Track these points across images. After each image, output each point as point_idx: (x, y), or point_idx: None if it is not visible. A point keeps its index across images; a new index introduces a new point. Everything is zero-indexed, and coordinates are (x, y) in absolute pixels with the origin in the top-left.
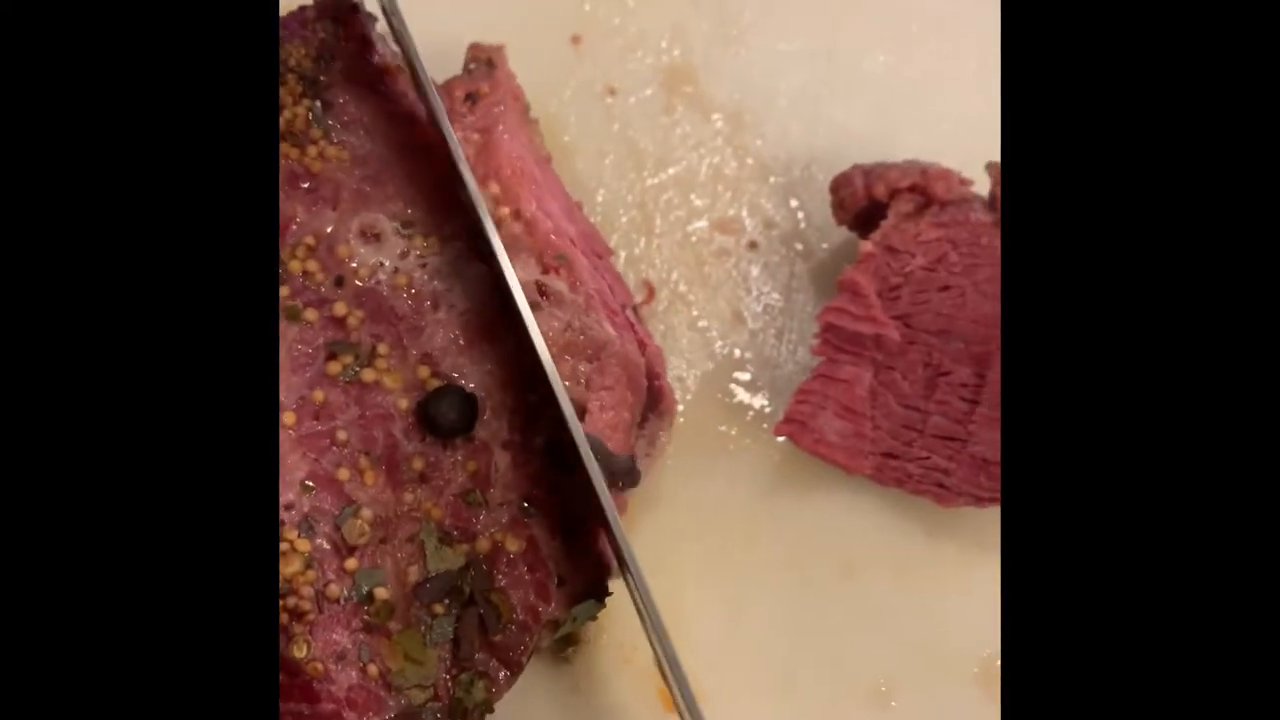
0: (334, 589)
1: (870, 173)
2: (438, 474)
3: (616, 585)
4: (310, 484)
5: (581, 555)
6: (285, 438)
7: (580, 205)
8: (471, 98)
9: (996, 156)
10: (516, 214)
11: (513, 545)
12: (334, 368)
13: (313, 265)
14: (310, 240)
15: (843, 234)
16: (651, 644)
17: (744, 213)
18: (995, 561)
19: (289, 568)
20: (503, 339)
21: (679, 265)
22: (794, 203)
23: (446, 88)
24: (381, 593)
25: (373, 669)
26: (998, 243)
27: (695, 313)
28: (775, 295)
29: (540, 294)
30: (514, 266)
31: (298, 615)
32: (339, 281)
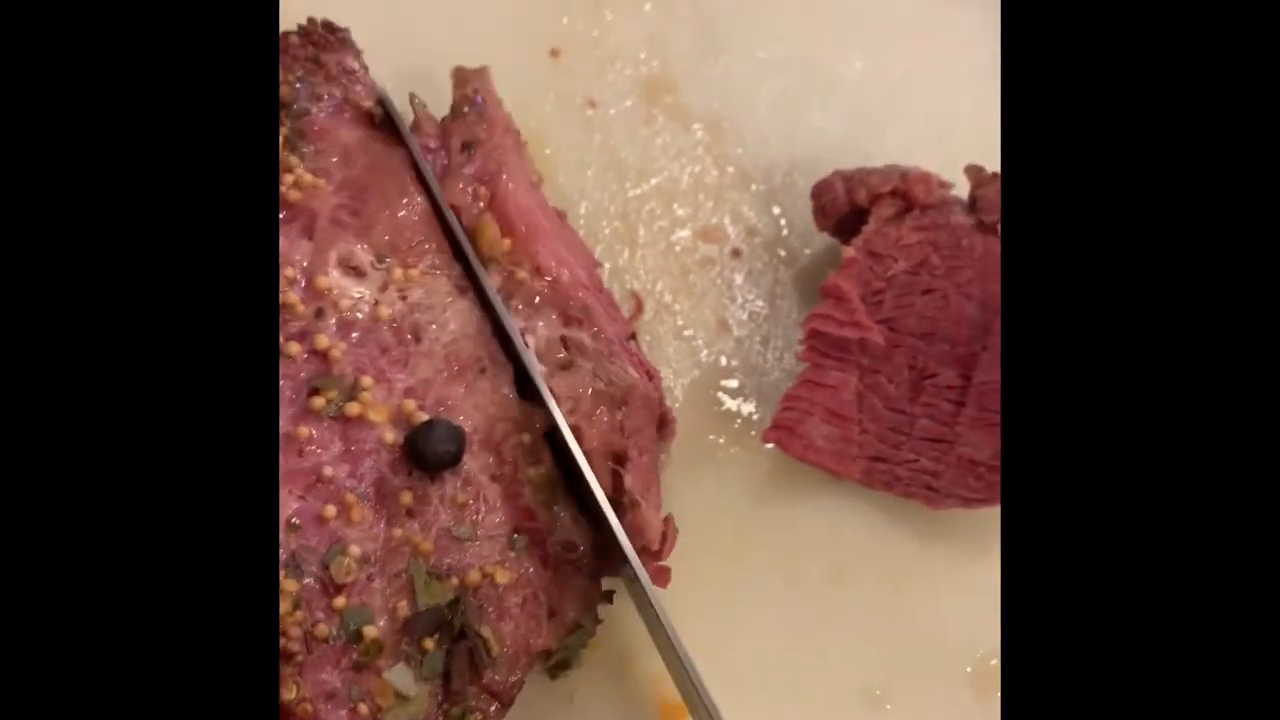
0: (322, 629)
1: (851, 178)
2: (426, 508)
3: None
4: (296, 522)
5: (573, 585)
6: None
7: (564, 214)
8: (469, 147)
9: (976, 158)
10: (536, 271)
11: (503, 578)
12: (318, 402)
13: (293, 297)
14: (289, 272)
15: (825, 240)
16: (670, 662)
17: (727, 221)
18: (986, 562)
19: None
20: (490, 372)
21: (663, 275)
22: (776, 210)
23: (442, 131)
24: (370, 630)
25: (363, 708)
26: (978, 244)
27: (680, 322)
28: (760, 302)
29: (565, 348)
30: (538, 325)
31: (286, 656)
32: (320, 313)
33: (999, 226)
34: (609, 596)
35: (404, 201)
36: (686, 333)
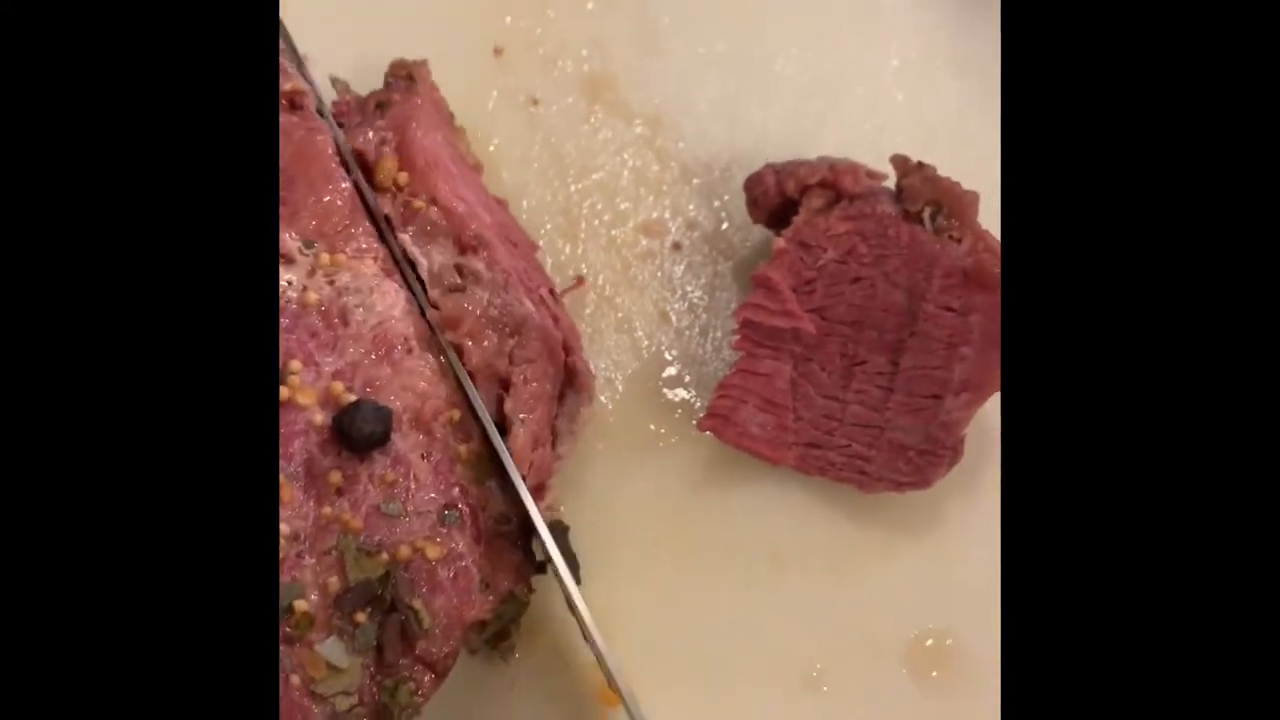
0: None
1: (781, 171)
2: (355, 487)
3: (544, 582)
4: None
5: (506, 557)
6: None
7: (506, 204)
8: (382, 105)
9: (910, 149)
10: (432, 200)
11: (433, 552)
12: None
13: None
14: None
15: (763, 232)
16: (588, 642)
17: (667, 215)
18: (917, 544)
19: None
20: (416, 352)
21: (605, 269)
22: (716, 203)
23: (363, 100)
24: (301, 605)
25: (295, 679)
26: (904, 233)
27: (621, 314)
28: (699, 294)
29: (459, 274)
30: (433, 251)
31: None
32: None
33: (924, 215)
34: (542, 567)
35: (329, 187)
36: (627, 325)
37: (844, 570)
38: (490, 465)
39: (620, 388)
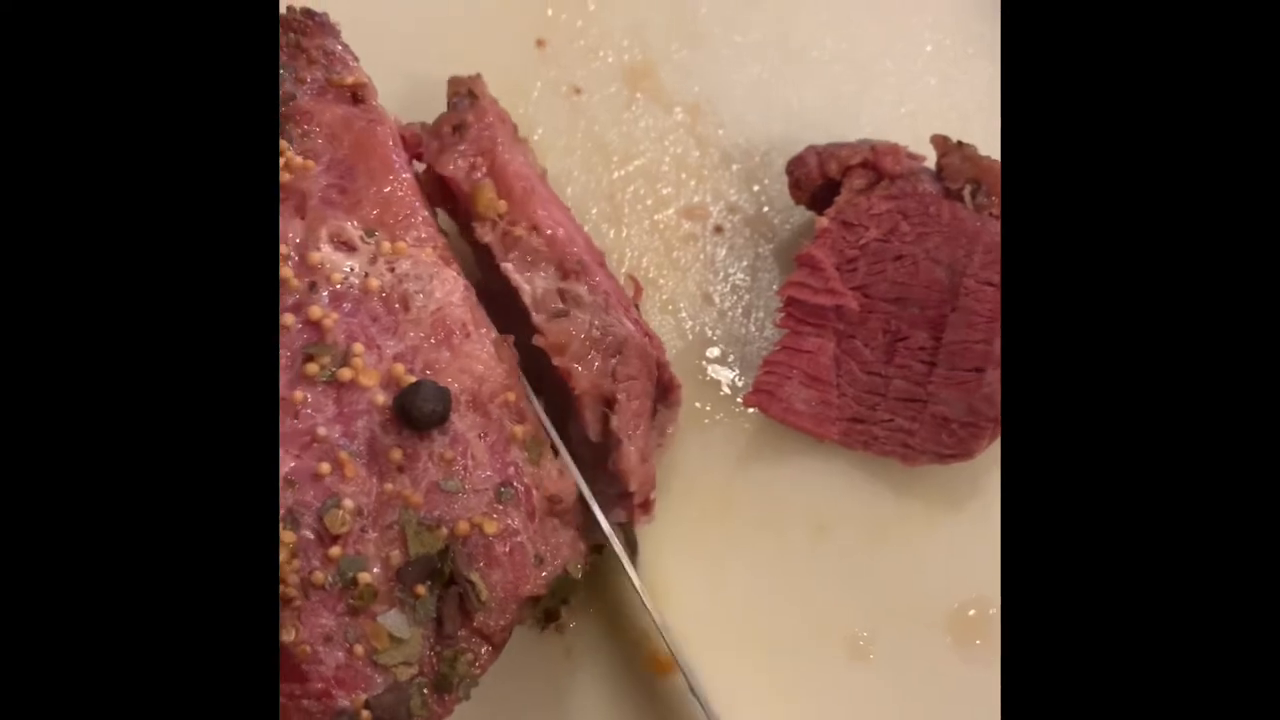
0: (319, 576)
1: (823, 153)
2: (415, 464)
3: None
4: (293, 479)
5: (558, 534)
6: None
7: (569, 212)
8: (459, 128)
9: (943, 129)
10: (533, 228)
11: (490, 528)
12: (312, 369)
13: (287, 272)
14: (284, 249)
15: (803, 214)
16: (648, 613)
17: (708, 199)
18: (960, 515)
19: None
20: (475, 336)
21: (648, 252)
22: (756, 187)
23: (435, 124)
24: (364, 577)
25: (359, 649)
26: (945, 210)
27: (666, 296)
28: (741, 275)
29: (561, 299)
30: (535, 277)
31: (285, 601)
32: (313, 287)
33: (964, 193)
34: (598, 549)
35: (389, 177)
36: (672, 306)
37: (887, 541)
38: (544, 447)
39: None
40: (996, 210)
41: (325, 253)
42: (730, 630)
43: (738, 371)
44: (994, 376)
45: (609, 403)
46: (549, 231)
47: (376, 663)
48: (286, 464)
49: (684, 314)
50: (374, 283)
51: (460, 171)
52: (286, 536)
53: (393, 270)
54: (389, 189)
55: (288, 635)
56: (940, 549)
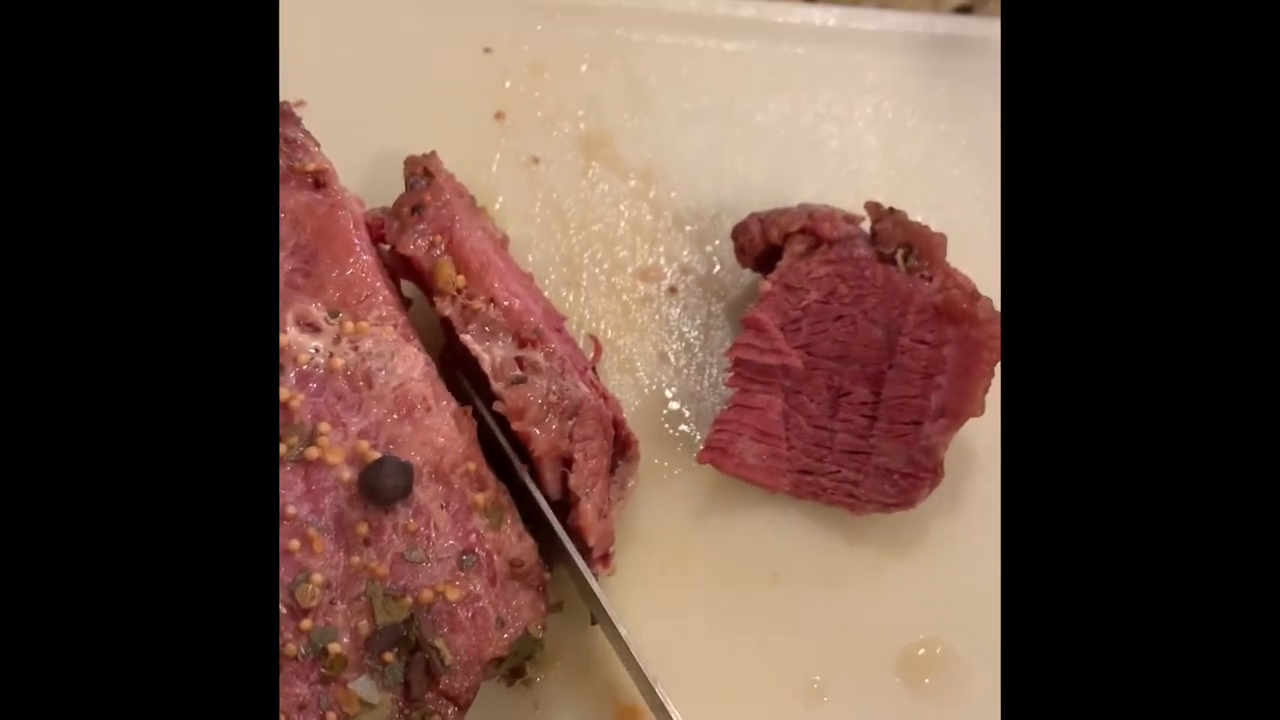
0: (291, 648)
1: (765, 220)
2: (381, 537)
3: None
4: None
5: (519, 596)
6: None
7: (531, 276)
8: (418, 209)
9: (883, 192)
10: (490, 300)
11: (453, 595)
12: (280, 449)
13: None
14: None
15: (753, 275)
16: (629, 667)
17: (662, 261)
18: (907, 561)
19: None
20: (435, 410)
21: (607, 314)
22: (708, 248)
23: (395, 206)
24: (335, 647)
25: (332, 715)
26: (879, 274)
27: (623, 355)
28: (695, 334)
29: (520, 366)
30: (494, 346)
31: None
32: (280, 369)
33: (896, 257)
34: (558, 606)
35: (350, 260)
36: (629, 365)
37: (839, 586)
38: (505, 513)
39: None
40: (928, 273)
41: (291, 335)
42: (690, 677)
43: (694, 426)
44: (931, 429)
45: (567, 462)
46: (505, 303)
47: None
48: None
49: (641, 372)
50: (338, 362)
51: (420, 250)
52: None
53: (356, 349)
54: (351, 271)
55: None
56: (889, 592)
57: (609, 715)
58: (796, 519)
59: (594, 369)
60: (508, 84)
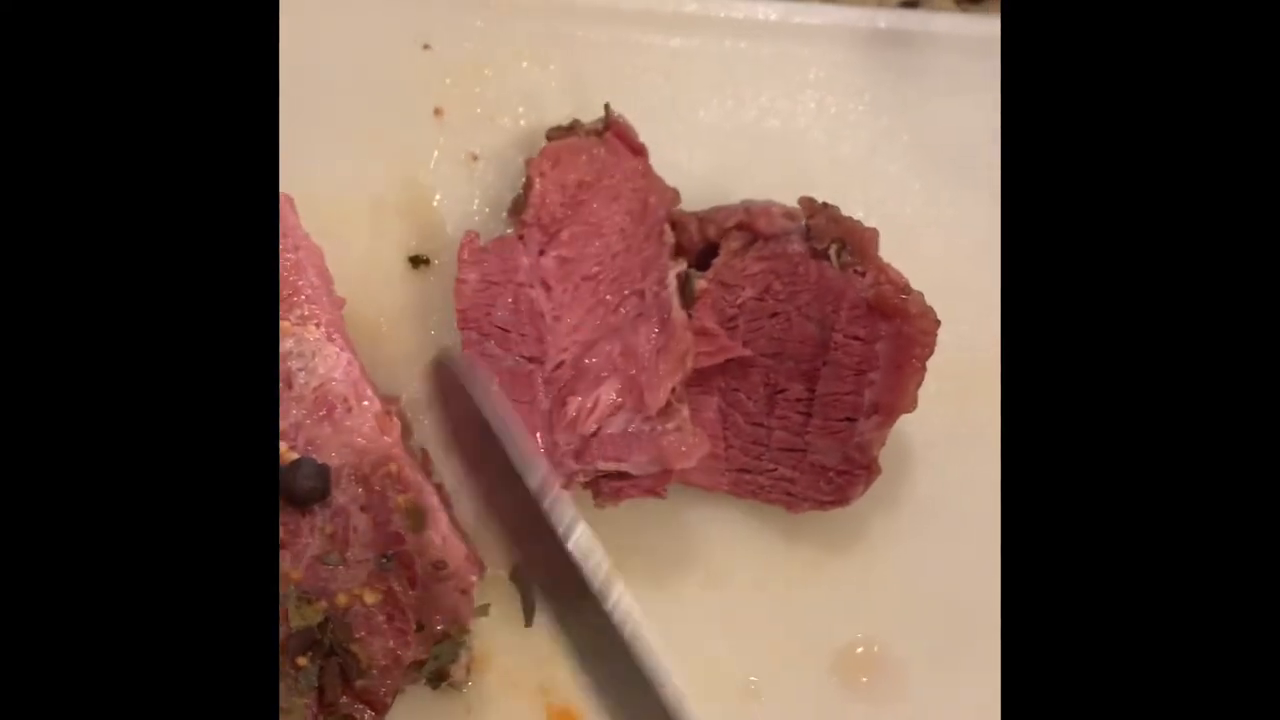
0: None
1: (703, 218)
2: (297, 539)
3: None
4: None
5: (442, 600)
6: None
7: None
8: None
9: (829, 183)
10: None
11: (370, 598)
12: None
13: None
14: None
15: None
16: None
17: None
18: (844, 559)
19: None
20: (357, 410)
21: None
22: None
23: None
24: None
25: None
26: (812, 270)
27: None
28: None
29: None
30: None
31: None
32: None
33: (830, 252)
34: (484, 610)
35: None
36: None
37: (776, 586)
38: (428, 513)
39: None
40: (861, 268)
41: None
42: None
43: None
44: (865, 425)
45: None
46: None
47: None
48: None
49: None
50: None
51: None
52: None
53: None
54: None
55: None
56: (826, 592)
57: (543, 718)
58: (734, 518)
59: None
60: (447, 80)
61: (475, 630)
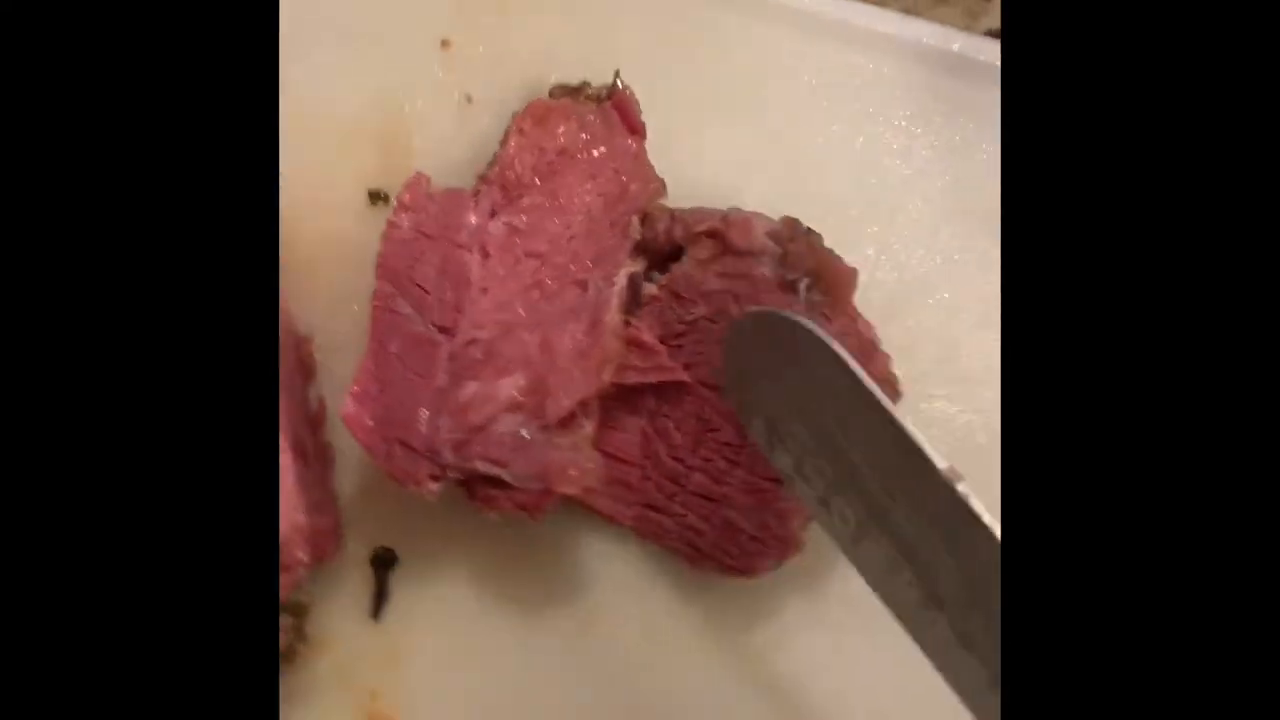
0: None
1: (677, 214)
2: None
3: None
4: None
5: None
6: None
7: None
8: None
9: (830, 219)
10: None
11: None
12: None
13: None
14: None
15: None
16: None
17: None
18: (730, 638)
19: None
20: None
21: None
22: None
23: None
24: None
25: None
26: (775, 303)
27: None
28: None
29: None
30: None
31: None
32: None
33: (799, 286)
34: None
35: None
36: None
37: (660, 645)
38: None
39: None
40: (830, 311)
41: None
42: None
43: None
44: (791, 494)
45: None
46: None
47: None
48: None
49: None
50: None
51: None
52: None
53: None
54: None
55: None
56: (719, 666)
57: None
58: (632, 558)
59: None
60: (463, 9)
61: (319, 613)
